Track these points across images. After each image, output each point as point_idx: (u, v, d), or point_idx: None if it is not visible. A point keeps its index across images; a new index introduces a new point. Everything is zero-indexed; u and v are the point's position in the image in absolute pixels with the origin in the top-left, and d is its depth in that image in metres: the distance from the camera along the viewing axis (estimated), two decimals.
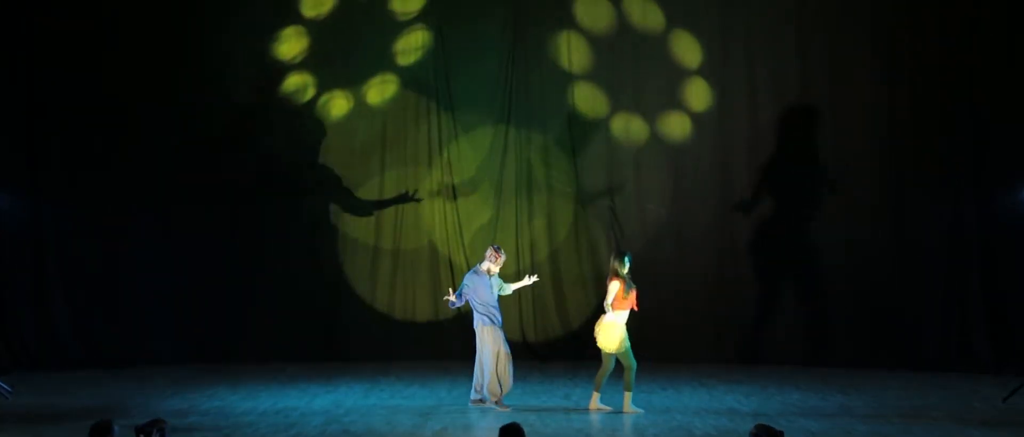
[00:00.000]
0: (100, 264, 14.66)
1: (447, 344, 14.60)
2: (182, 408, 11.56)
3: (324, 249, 15.17)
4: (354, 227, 15.22)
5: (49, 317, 14.52)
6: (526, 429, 6.88)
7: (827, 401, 12.00)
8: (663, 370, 13.98)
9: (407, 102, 15.22)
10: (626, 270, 11.15)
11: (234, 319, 14.97)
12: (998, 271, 13.98)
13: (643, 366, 13.25)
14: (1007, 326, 13.93)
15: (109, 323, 14.61)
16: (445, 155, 15.22)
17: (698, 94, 14.81)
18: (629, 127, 14.87)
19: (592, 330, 11.36)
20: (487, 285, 11.51)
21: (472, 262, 11.76)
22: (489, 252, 11.60)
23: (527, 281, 12.01)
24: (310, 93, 14.46)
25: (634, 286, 11.17)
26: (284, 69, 14.44)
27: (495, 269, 11.56)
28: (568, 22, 14.78)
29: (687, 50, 14.85)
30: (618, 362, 11.28)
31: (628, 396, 11.24)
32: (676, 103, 14.83)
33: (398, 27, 14.57)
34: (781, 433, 6.67)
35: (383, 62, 14.61)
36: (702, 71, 14.82)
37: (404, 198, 15.13)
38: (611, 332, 11.11)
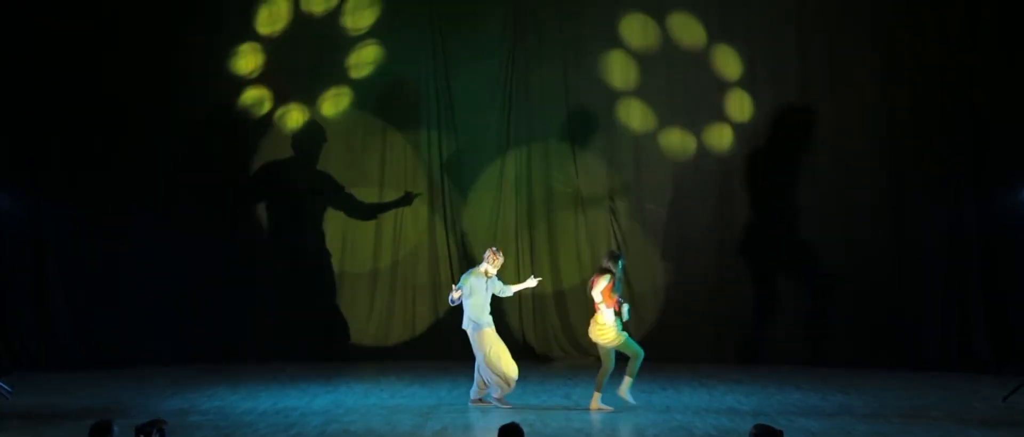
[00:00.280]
0: (100, 264, 14.64)
1: (447, 344, 14.57)
2: (182, 408, 11.55)
3: (324, 249, 15.15)
4: (354, 227, 15.20)
5: (49, 317, 14.51)
6: (526, 429, 6.88)
7: (827, 401, 12.00)
8: (663, 370, 13.95)
9: (406, 102, 15.21)
10: (619, 271, 11.18)
11: (234, 319, 14.95)
12: (998, 271, 13.96)
13: (643, 364, 13.22)
14: (1007, 326, 13.91)
15: (109, 323, 14.59)
16: (444, 155, 15.20)
17: (738, 104, 14.73)
18: (676, 140, 14.83)
19: (591, 322, 11.34)
20: (483, 286, 11.51)
21: (472, 262, 11.74)
22: (488, 254, 11.60)
23: (529, 283, 12.00)
24: (267, 106, 14.52)
25: (620, 286, 11.24)
26: (242, 83, 14.46)
27: (493, 271, 11.55)
28: (615, 41, 14.77)
29: (727, 62, 14.77)
30: (619, 360, 11.25)
31: (627, 381, 11.24)
32: (718, 114, 14.77)
33: (350, 42, 14.62)
34: (781, 433, 6.67)
35: (336, 76, 14.64)
36: (742, 82, 14.73)
37: (404, 200, 15.09)
38: (604, 326, 11.12)
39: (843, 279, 14.51)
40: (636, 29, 14.91)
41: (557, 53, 15.18)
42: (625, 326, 11.30)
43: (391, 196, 15.18)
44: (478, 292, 11.48)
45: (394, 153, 15.24)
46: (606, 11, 14.89)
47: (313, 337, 15.06)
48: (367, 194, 15.17)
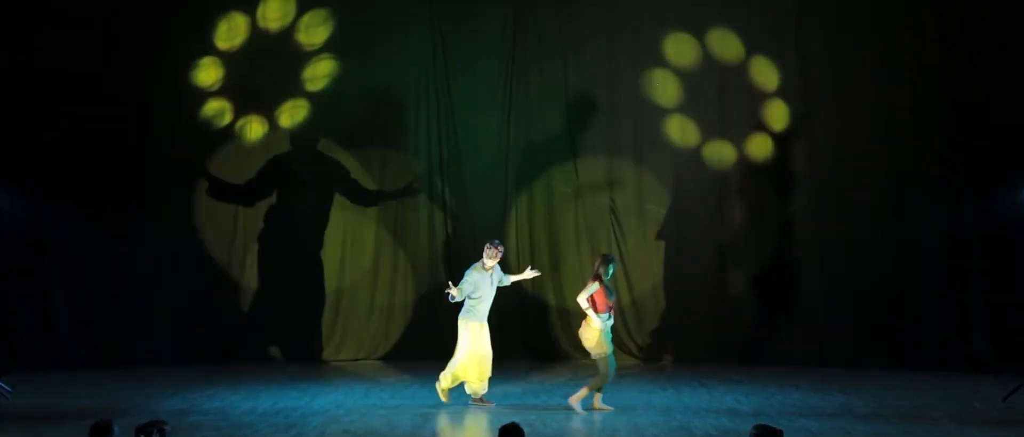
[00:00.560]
0: (100, 264, 14.61)
1: (447, 344, 14.49)
2: (182, 408, 11.53)
3: (324, 249, 15.13)
4: (355, 227, 15.19)
5: (49, 317, 14.48)
6: (526, 429, 6.87)
7: (827, 401, 11.98)
8: (663, 370, 13.95)
9: (407, 102, 15.21)
10: (608, 277, 11.17)
11: (234, 319, 14.93)
12: (998, 271, 13.93)
13: (644, 364, 13.24)
14: (1007, 326, 13.89)
15: (109, 323, 14.57)
16: (444, 156, 15.20)
17: (777, 114, 14.72)
18: (719, 152, 14.82)
19: (582, 325, 11.37)
20: (488, 280, 11.53)
21: (472, 261, 11.76)
22: (487, 248, 11.61)
23: (528, 274, 11.99)
24: (228, 118, 14.57)
25: (613, 292, 11.26)
26: (203, 95, 14.51)
27: (491, 263, 11.57)
28: (658, 60, 14.77)
29: (765, 73, 14.77)
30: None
31: (583, 392, 11.21)
32: (757, 124, 14.76)
33: (305, 57, 14.69)
34: (781, 433, 6.66)
35: (293, 90, 14.71)
36: (781, 93, 14.72)
37: (405, 191, 15.10)
38: (591, 333, 11.13)
39: (843, 279, 14.49)
40: (678, 47, 14.85)
41: (557, 53, 15.17)
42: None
43: (391, 196, 15.21)
44: (482, 287, 11.50)
45: (394, 154, 15.21)
46: (648, 29, 14.92)
47: (313, 337, 15.04)
48: (368, 187, 15.19)
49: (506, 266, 12.06)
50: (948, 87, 14.13)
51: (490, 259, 11.56)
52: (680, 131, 15.00)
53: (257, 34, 14.56)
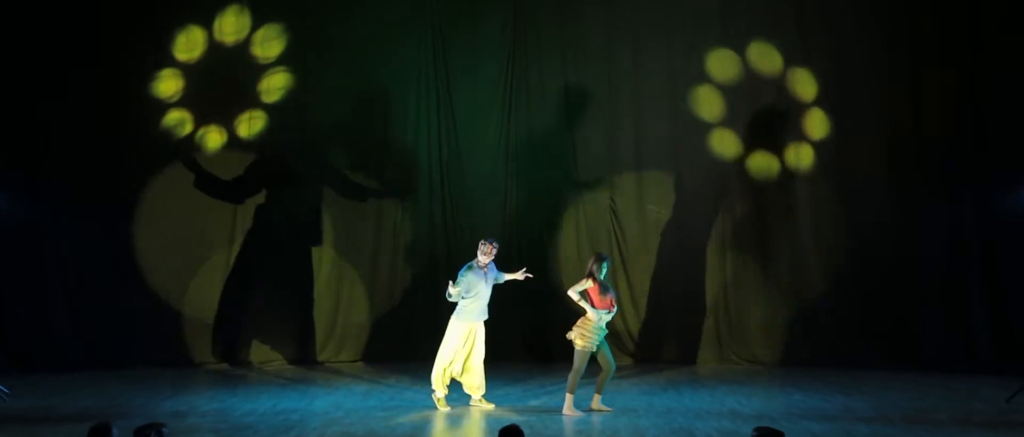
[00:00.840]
0: (100, 264, 14.58)
1: None
2: (181, 410, 11.52)
3: (323, 249, 15.12)
4: (353, 228, 15.17)
5: (48, 318, 14.44)
6: (526, 431, 6.86)
7: (829, 402, 11.97)
8: (664, 371, 13.93)
9: (407, 102, 15.20)
10: (602, 275, 11.15)
11: (232, 321, 14.90)
12: (1000, 271, 13.93)
13: (645, 366, 13.20)
14: (1009, 326, 13.88)
15: (109, 324, 14.54)
16: (444, 156, 15.19)
17: (816, 123, 14.67)
18: (763, 163, 14.78)
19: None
20: (483, 279, 11.51)
21: (471, 262, 11.74)
22: (482, 245, 11.59)
23: (519, 275, 11.94)
24: (188, 128, 14.63)
25: (610, 290, 11.23)
26: (164, 106, 14.58)
27: (485, 260, 11.55)
28: (702, 77, 14.74)
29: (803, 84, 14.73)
30: (593, 359, 11.24)
31: (569, 399, 11.20)
32: (797, 134, 14.71)
33: (260, 69, 14.76)
34: (782, 434, 6.63)
35: (249, 101, 14.77)
36: (818, 101, 14.67)
37: (405, 191, 15.13)
38: (582, 326, 11.10)
39: (846, 280, 14.47)
40: (721, 62, 14.81)
41: (557, 53, 15.16)
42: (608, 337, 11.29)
43: (391, 196, 15.21)
44: (476, 285, 11.47)
45: (394, 154, 15.20)
46: (690, 46, 14.90)
47: (312, 339, 15.01)
48: (367, 187, 15.20)
49: (506, 266, 12.00)
50: (950, 87, 14.10)
51: (484, 256, 11.54)
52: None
53: (214, 47, 14.64)
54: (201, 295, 14.83)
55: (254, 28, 14.73)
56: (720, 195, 14.93)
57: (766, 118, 14.78)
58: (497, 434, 6.71)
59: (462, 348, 11.55)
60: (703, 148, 14.98)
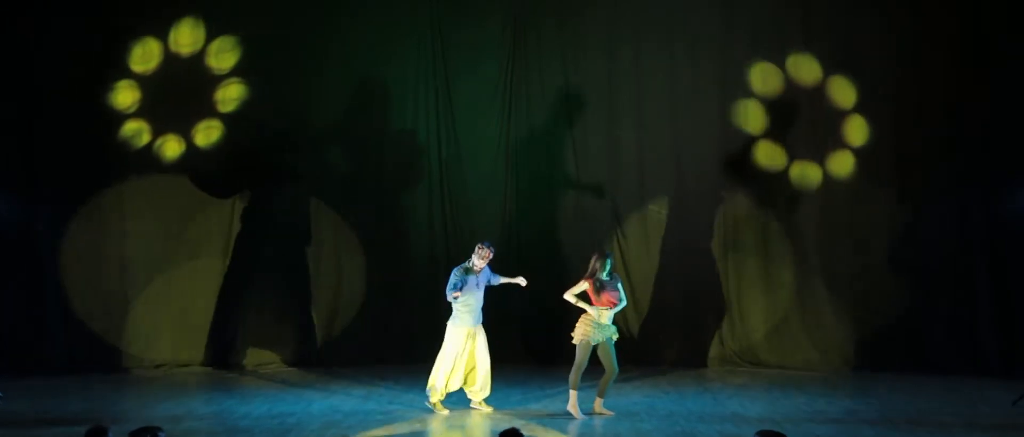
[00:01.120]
0: (96, 267, 14.48)
1: None
2: (178, 413, 11.45)
3: (322, 252, 15.03)
4: (352, 228, 15.09)
5: (43, 321, 14.34)
6: (527, 434, 6.74)
7: (834, 406, 11.89)
8: (666, 374, 13.86)
9: (407, 102, 15.14)
10: (605, 273, 11.08)
11: (230, 323, 14.81)
12: (1006, 273, 13.85)
13: (647, 369, 13.12)
14: (1016, 329, 13.80)
15: (104, 327, 14.44)
16: (444, 156, 15.12)
17: (856, 130, 14.54)
18: (805, 173, 14.66)
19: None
20: (474, 282, 11.40)
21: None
22: (479, 249, 11.50)
23: (517, 280, 11.83)
24: (145, 138, 14.62)
25: (614, 282, 11.15)
26: (121, 117, 14.56)
27: (481, 264, 11.46)
28: (744, 91, 14.66)
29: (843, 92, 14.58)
30: (596, 360, 11.19)
31: (573, 395, 11.17)
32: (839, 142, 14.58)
33: (215, 80, 14.76)
34: None
35: (206, 111, 14.76)
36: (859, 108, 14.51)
37: (403, 191, 15.06)
38: (585, 322, 11.07)
39: (850, 282, 14.39)
40: (762, 76, 14.70)
41: (557, 53, 15.11)
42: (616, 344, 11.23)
43: (390, 196, 15.14)
44: (468, 288, 11.37)
45: (393, 154, 15.13)
46: (691, 44, 14.87)
47: (310, 341, 14.93)
48: (366, 187, 15.14)
49: (506, 267, 11.91)
50: (958, 85, 14.02)
51: (480, 260, 11.45)
52: (845, 169, 14.66)
53: (170, 58, 14.66)
54: (197, 297, 14.74)
55: (208, 40, 14.72)
56: (722, 195, 14.84)
57: (767, 117, 14.70)
58: None
59: (462, 354, 11.43)
60: (705, 148, 14.89)
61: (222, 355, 14.73)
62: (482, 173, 15.15)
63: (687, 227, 14.94)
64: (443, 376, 11.45)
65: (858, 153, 14.43)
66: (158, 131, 14.65)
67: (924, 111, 14.23)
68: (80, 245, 14.40)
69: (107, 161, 14.49)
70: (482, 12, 15.22)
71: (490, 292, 11.64)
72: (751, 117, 14.74)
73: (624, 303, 11.29)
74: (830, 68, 14.48)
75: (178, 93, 14.62)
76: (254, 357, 14.77)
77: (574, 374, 11.12)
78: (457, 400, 11.75)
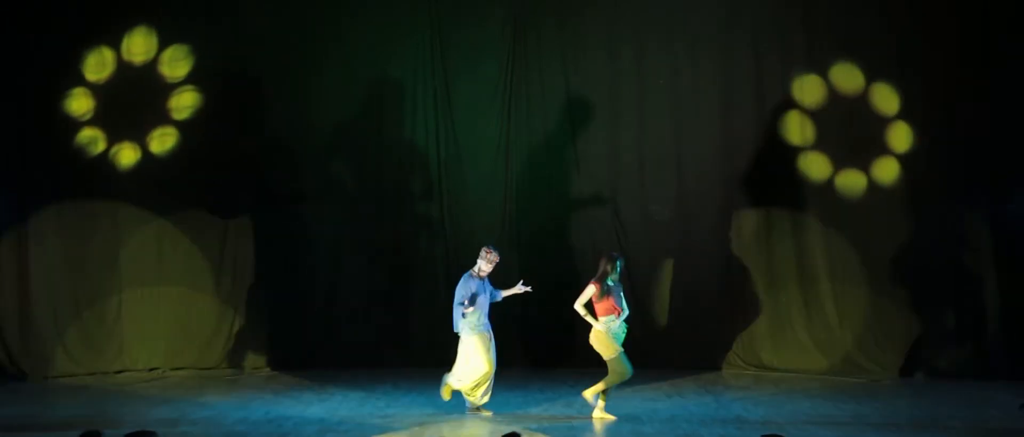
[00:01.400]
0: (89, 271, 14.40)
1: (445, 351, 14.31)
2: (172, 417, 11.38)
3: (320, 255, 14.97)
4: (351, 232, 15.04)
5: (35, 324, 14.20)
6: None
7: (839, 409, 11.81)
8: (669, 377, 13.80)
9: (406, 103, 15.07)
10: (616, 276, 11.00)
11: (227, 326, 14.75)
12: (1013, 277, 13.75)
13: (648, 372, 13.01)
14: (1023, 333, 13.70)
15: (97, 330, 14.38)
16: (443, 156, 15.05)
17: (900, 136, 14.40)
18: (850, 181, 14.52)
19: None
20: (480, 287, 11.31)
21: (472, 266, 11.56)
22: (483, 252, 11.41)
23: (518, 289, 11.75)
24: (101, 146, 14.60)
25: (618, 289, 11.07)
26: (77, 124, 14.54)
27: (488, 269, 11.37)
28: (794, 104, 14.56)
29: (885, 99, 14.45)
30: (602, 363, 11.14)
31: (598, 386, 11.11)
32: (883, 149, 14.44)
33: (169, 88, 14.76)
34: None
35: (160, 118, 14.73)
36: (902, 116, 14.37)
37: (404, 192, 15.00)
38: (600, 338, 11.02)
39: (855, 285, 14.28)
40: (808, 87, 14.58)
41: (557, 53, 15.07)
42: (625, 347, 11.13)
43: (389, 196, 15.05)
44: (479, 294, 11.29)
45: (393, 155, 15.07)
46: (691, 44, 14.81)
47: (307, 344, 14.85)
48: (365, 188, 15.09)
49: (506, 266, 11.81)
50: (963, 87, 13.92)
51: (488, 264, 11.37)
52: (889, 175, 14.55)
53: (123, 67, 14.64)
54: (193, 299, 14.68)
55: (161, 49, 14.70)
56: (724, 195, 14.75)
57: (773, 115, 14.63)
58: None
59: (475, 358, 11.32)
60: (706, 147, 14.82)
61: (218, 358, 14.66)
62: (482, 173, 15.10)
63: (688, 227, 14.87)
64: (484, 378, 11.31)
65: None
66: (113, 138, 14.52)
67: (924, 111, 14.15)
68: (72, 246, 14.33)
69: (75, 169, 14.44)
70: (482, 12, 15.19)
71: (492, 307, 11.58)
72: (756, 118, 14.68)
73: (628, 312, 11.18)
74: (830, 67, 14.39)
75: (133, 101, 14.54)
76: (250, 360, 14.71)
77: (615, 380, 11.04)
78: (457, 404, 11.67)
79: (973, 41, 13.94)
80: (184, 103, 14.79)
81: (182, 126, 14.70)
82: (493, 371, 11.39)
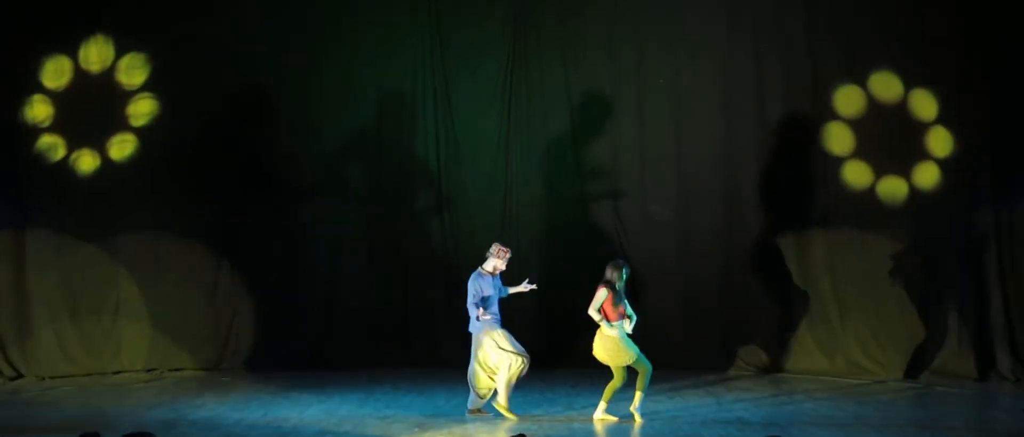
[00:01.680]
0: (86, 271, 14.39)
1: (444, 352, 14.34)
2: (170, 419, 11.35)
3: (319, 255, 14.95)
4: (350, 232, 15.03)
5: (31, 325, 14.21)
6: None
7: (841, 411, 11.77)
8: (669, 378, 13.75)
9: (406, 103, 15.06)
10: (622, 282, 10.97)
11: (224, 326, 14.73)
12: (1018, 278, 13.72)
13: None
14: None
15: (95, 332, 14.37)
16: (443, 157, 15.03)
17: (939, 141, 14.27)
18: (889, 186, 14.39)
19: (595, 337, 11.16)
20: (492, 285, 11.27)
21: (472, 265, 11.53)
22: (494, 248, 11.38)
23: (523, 287, 11.72)
24: (61, 152, 14.61)
25: (621, 298, 11.01)
26: (36, 131, 14.55)
27: (502, 266, 11.35)
28: (830, 114, 14.46)
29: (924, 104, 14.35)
30: (629, 374, 11.08)
31: (638, 396, 11.06)
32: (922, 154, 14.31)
33: (127, 96, 14.76)
34: None
35: (118, 125, 14.72)
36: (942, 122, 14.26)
37: (402, 191, 14.99)
38: (607, 344, 10.95)
39: (858, 286, 14.23)
40: (846, 98, 14.45)
41: (557, 53, 15.04)
42: (632, 338, 11.06)
43: (389, 197, 15.06)
44: (484, 290, 11.24)
45: (392, 155, 15.06)
46: (692, 43, 14.76)
47: (306, 344, 14.82)
48: (365, 188, 15.10)
49: (507, 267, 11.74)
50: (964, 88, 13.89)
51: (502, 262, 11.34)
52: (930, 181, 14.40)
53: (81, 74, 14.62)
54: (192, 298, 14.66)
55: (118, 57, 14.66)
56: (724, 195, 14.72)
57: (775, 116, 14.59)
58: None
59: (484, 355, 11.27)
60: (707, 147, 14.77)
61: (216, 359, 14.65)
62: (482, 173, 15.06)
63: (688, 227, 14.83)
64: (515, 376, 11.23)
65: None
66: (73, 145, 14.48)
67: (925, 107, 14.11)
68: (70, 247, 14.32)
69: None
70: (482, 12, 15.16)
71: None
72: (763, 118, 14.64)
73: (636, 319, 11.14)
74: (831, 66, 14.37)
75: (91, 108, 14.47)
76: (249, 361, 14.68)
77: (643, 382, 11.02)
78: (457, 406, 11.65)
79: (976, 40, 13.93)
80: (141, 110, 14.67)
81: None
82: (526, 357, 11.25)
